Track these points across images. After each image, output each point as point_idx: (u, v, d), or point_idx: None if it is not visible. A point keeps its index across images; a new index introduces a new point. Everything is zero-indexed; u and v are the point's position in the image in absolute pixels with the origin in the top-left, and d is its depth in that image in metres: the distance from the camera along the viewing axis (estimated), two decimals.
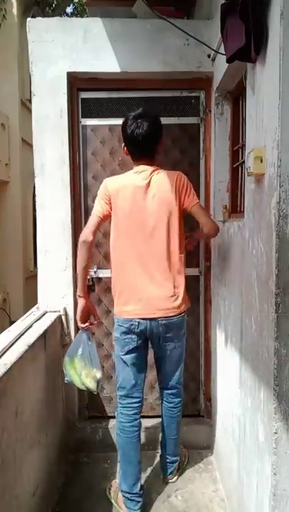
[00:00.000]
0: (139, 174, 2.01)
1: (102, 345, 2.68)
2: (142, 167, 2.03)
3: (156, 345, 2.07)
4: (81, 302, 2.10)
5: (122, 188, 1.99)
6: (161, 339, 2.02)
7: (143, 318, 1.96)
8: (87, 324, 2.13)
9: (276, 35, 1.27)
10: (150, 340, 2.06)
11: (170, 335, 2.02)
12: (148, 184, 1.98)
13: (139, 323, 1.96)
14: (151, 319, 1.96)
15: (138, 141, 1.99)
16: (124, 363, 2.04)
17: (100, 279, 2.64)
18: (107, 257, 2.61)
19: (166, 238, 1.98)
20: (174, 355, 2.09)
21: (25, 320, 2.27)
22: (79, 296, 2.10)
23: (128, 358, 2.02)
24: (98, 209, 2.03)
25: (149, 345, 2.11)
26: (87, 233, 2.00)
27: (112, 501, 2.16)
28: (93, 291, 2.64)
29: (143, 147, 2.01)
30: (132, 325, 1.97)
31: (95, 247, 2.54)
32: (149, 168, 2.02)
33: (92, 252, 2.10)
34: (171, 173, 2.04)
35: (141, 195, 1.97)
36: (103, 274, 2.63)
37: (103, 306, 2.65)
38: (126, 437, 2.06)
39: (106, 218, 2.04)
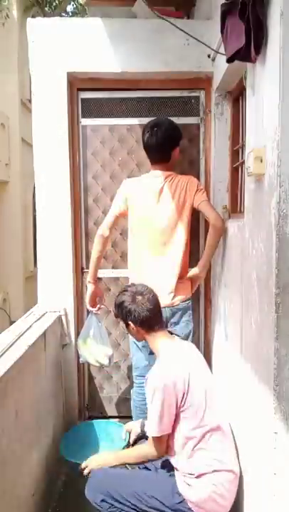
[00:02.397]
0: (155, 179, 2.19)
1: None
2: (157, 172, 2.20)
3: None
4: (90, 288, 2.32)
5: (139, 191, 2.18)
6: (168, 325, 2.19)
7: None
8: (96, 309, 2.33)
9: (276, 35, 1.26)
10: None
11: (174, 320, 2.21)
12: (161, 189, 2.17)
13: None
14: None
15: (151, 149, 2.18)
16: (137, 346, 2.22)
17: (99, 279, 2.63)
18: (105, 257, 2.61)
19: (174, 239, 2.17)
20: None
21: (25, 320, 2.27)
22: (89, 282, 2.33)
23: (140, 342, 2.15)
24: (115, 207, 2.24)
25: None
26: (104, 228, 2.22)
27: None
28: None
29: (157, 154, 2.19)
30: None
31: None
32: (164, 174, 2.19)
33: (107, 246, 2.31)
34: (184, 178, 2.21)
35: (155, 199, 2.16)
36: (103, 274, 2.63)
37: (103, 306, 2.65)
38: (139, 413, 2.22)
39: (122, 216, 2.25)
